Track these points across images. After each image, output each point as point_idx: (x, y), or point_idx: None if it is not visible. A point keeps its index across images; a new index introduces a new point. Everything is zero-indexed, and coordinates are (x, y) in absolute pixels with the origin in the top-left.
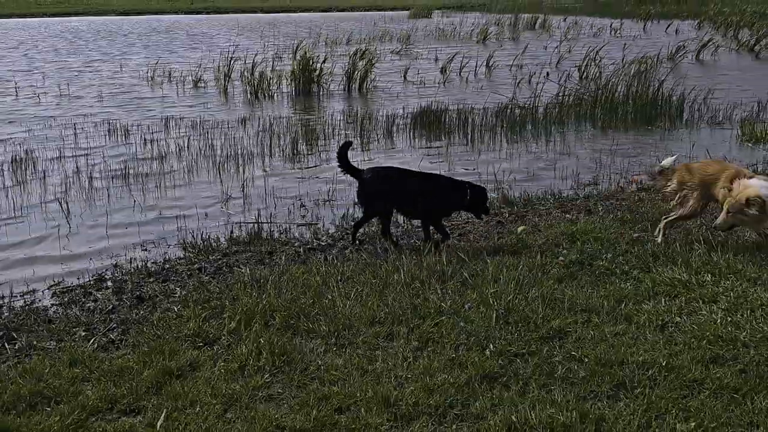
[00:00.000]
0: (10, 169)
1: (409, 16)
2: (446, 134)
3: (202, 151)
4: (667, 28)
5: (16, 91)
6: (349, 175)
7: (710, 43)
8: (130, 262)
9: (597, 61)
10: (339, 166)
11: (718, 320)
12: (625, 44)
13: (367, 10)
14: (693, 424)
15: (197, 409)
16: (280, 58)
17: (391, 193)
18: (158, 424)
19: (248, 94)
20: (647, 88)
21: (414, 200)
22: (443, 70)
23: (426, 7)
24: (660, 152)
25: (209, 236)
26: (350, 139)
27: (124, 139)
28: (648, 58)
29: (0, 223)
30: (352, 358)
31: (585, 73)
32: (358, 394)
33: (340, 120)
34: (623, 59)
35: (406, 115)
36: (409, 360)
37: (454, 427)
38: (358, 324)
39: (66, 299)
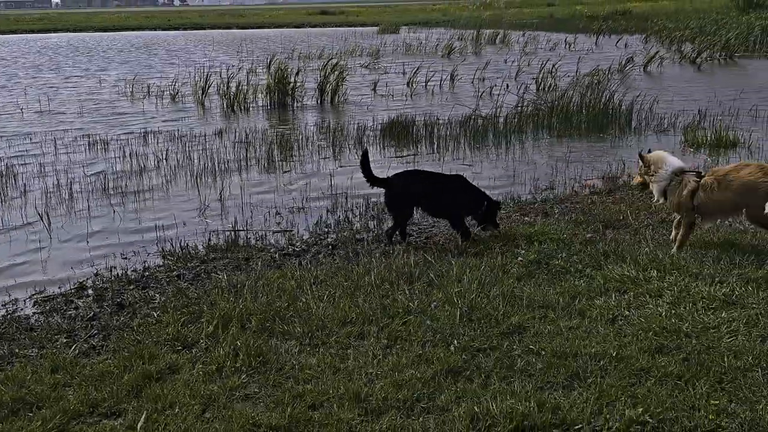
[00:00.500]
0: None
1: (378, 32)
2: (414, 143)
3: (181, 163)
4: (617, 42)
5: None
6: (375, 186)
7: (656, 56)
8: (111, 270)
9: (553, 74)
10: (365, 178)
11: (663, 313)
12: (579, 58)
13: (339, 26)
14: (641, 409)
15: (176, 410)
16: (255, 72)
17: (421, 196)
18: (138, 425)
19: (225, 108)
20: (599, 99)
21: (441, 201)
22: (410, 83)
23: (394, 23)
24: (611, 158)
25: (188, 244)
26: (366, 147)
27: (104, 152)
28: (600, 70)
29: None
30: (325, 358)
31: (542, 85)
32: (331, 391)
33: (313, 131)
34: (577, 71)
35: (376, 125)
36: (379, 357)
37: (421, 419)
38: (331, 325)
39: (47, 307)
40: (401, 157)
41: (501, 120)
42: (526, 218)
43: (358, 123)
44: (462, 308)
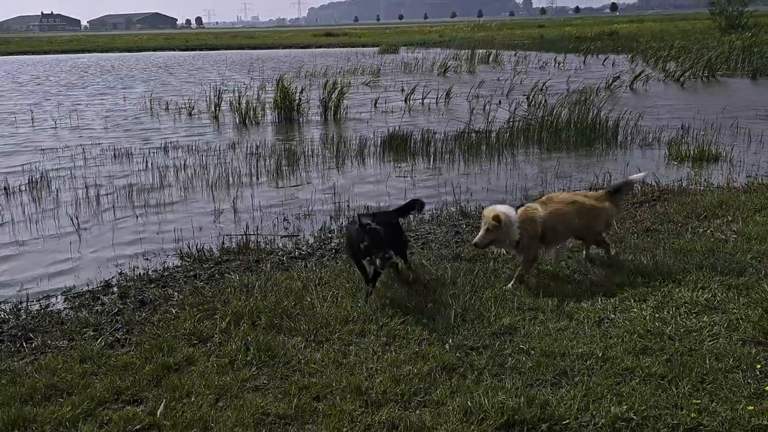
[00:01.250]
0: (28, 189)
1: (379, 52)
2: (411, 156)
3: (197, 173)
4: (604, 61)
5: (32, 121)
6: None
7: (642, 74)
8: (134, 270)
9: (543, 91)
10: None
11: (647, 316)
12: (568, 76)
13: (342, 47)
14: (625, 407)
15: (193, 398)
16: (265, 89)
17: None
18: (158, 412)
19: (237, 122)
20: (587, 114)
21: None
22: (407, 100)
23: (393, 43)
24: (598, 170)
25: (203, 247)
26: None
27: (127, 162)
28: (588, 87)
29: (18, 237)
30: (328, 353)
31: (533, 101)
32: (334, 384)
33: (318, 144)
34: (567, 89)
35: (376, 139)
36: (379, 354)
37: (417, 412)
38: (334, 323)
39: (77, 303)
40: (399, 168)
41: (493, 134)
42: None
43: (359, 137)
44: (456, 309)
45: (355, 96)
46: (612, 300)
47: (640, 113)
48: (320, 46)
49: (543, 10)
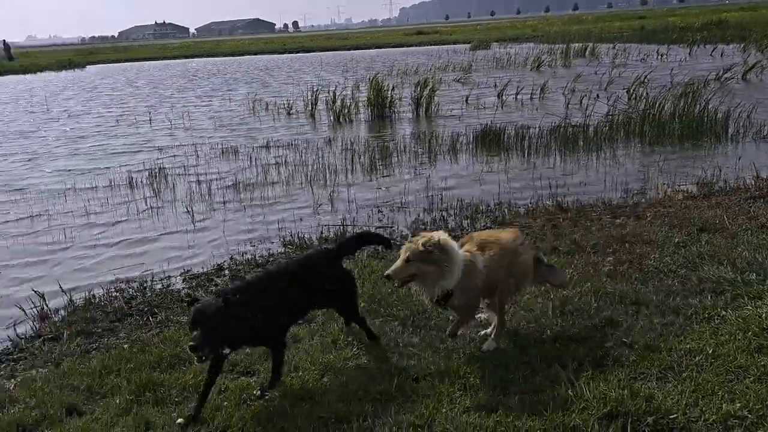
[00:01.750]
0: (148, 182)
1: (470, 48)
2: (505, 150)
3: (296, 167)
4: (712, 52)
5: (150, 122)
6: None
7: (757, 64)
8: (242, 255)
9: (645, 83)
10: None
11: (763, 315)
12: (672, 68)
13: (434, 45)
14: (739, 404)
15: (300, 372)
16: (358, 87)
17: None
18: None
19: (332, 120)
20: (693, 107)
21: None
22: (500, 95)
23: (485, 40)
24: (706, 164)
25: (304, 235)
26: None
27: (234, 158)
28: (695, 79)
29: (141, 224)
30: (425, 338)
31: (633, 95)
32: (432, 368)
33: (410, 139)
34: (671, 81)
35: (468, 134)
36: (475, 341)
37: (516, 398)
38: (432, 310)
39: (194, 284)
40: (491, 162)
41: (591, 128)
42: (617, 220)
43: (451, 132)
44: (554, 302)
45: (447, 93)
46: (723, 297)
47: (753, 105)
48: (411, 45)
49: (644, 0)
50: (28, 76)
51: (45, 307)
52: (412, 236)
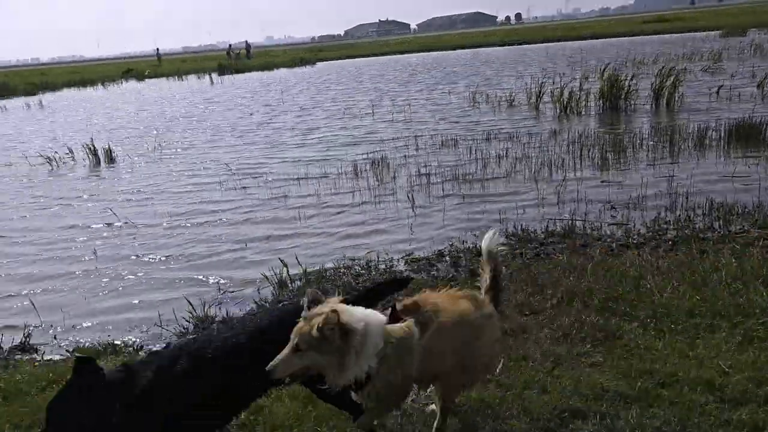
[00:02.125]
0: (372, 171)
1: (721, 35)
2: (765, 145)
3: (518, 159)
4: None
5: (373, 115)
6: None
7: None
8: (463, 243)
9: None
10: None
11: None
12: None
13: (677, 33)
14: None
15: (529, 363)
16: (587, 79)
17: None
18: (497, 369)
19: (557, 112)
20: None
21: None
22: (760, 86)
23: (739, 25)
24: None
25: (527, 228)
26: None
27: (453, 150)
28: None
29: (366, 209)
30: (672, 343)
31: None
32: (681, 374)
33: (648, 133)
34: None
35: (718, 127)
36: (732, 351)
37: None
38: (676, 314)
39: (415, 267)
40: (748, 157)
41: None
42: None
43: (697, 126)
44: None
45: (692, 83)
46: None
47: None
48: (647, 34)
49: None
50: (266, 73)
51: (285, 276)
52: (310, 301)
